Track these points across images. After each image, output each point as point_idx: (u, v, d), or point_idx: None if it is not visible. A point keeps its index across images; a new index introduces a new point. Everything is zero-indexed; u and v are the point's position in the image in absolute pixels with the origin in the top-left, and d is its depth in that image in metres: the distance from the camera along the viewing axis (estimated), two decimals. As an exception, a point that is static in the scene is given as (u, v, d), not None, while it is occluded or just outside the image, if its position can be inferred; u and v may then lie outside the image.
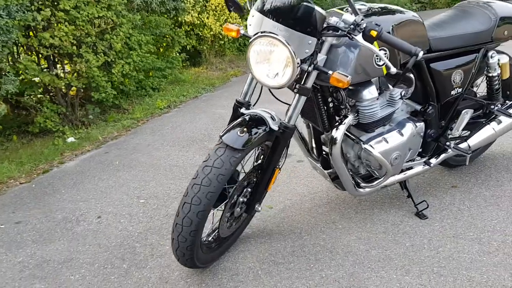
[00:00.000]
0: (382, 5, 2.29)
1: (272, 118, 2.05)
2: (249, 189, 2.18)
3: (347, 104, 2.20)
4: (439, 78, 2.39)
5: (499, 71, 2.60)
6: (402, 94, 2.25)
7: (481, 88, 2.88)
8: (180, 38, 6.45)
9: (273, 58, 1.86)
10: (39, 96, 4.80)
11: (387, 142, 2.28)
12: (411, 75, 2.31)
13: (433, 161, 2.58)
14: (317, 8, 1.78)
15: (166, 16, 6.25)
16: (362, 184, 2.39)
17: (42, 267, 2.36)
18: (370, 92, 2.14)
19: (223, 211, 2.09)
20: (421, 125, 2.42)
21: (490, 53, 2.55)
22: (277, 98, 2.19)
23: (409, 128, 2.34)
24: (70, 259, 2.42)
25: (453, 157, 2.90)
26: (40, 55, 4.44)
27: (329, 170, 2.42)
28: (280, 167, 2.22)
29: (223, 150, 1.92)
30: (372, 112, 2.17)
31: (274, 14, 1.81)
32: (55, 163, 3.83)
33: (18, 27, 3.89)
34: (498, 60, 2.58)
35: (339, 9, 2.13)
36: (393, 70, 1.87)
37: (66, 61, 4.70)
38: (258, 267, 2.22)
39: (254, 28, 1.90)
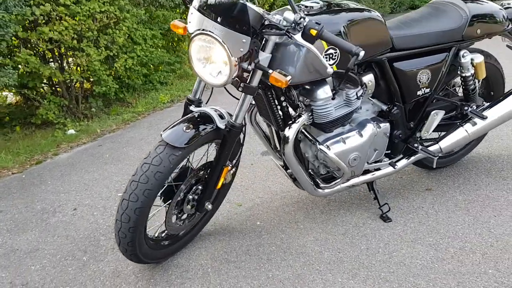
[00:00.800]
0: (342, 2, 2.24)
1: (221, 116, 2.05)
2: (200, 187, 2.18)
3: (302, 103, 2.17)
4: (403, 78, 2.32)
5: (472, 71, 2.50)
6: (359, 94, 2.19)
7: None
8: (191, 32, 6.48)
9: (213, 57, 1.85)
10: (45, 88, 4.95)
11: (345, 143, 2.24)
12: (369, 76, 2.26)
13: (400, 163, 2.52)
14: (251, 6, 1.75)
15: (177, 10, 6.31)
16: (322, 185, 2.36)
17: (9, 256, 2.45)
18: (324, 92, 2.10)
19: (168, 208, 2.10)
20: (386, 125, 2.36)
21: (462, 52, 2.44)
22: (230, 93, 2.17)
23: (369, 128, 2.28)
24: (37, 249, 2.49)
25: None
26: (42, 49, 4.54)
27: (290, 170, 2.39)
28: (232, 165, 2.21)
29: (162, 147, 1.93)
30: (326, 112, 2.13)
31: (210, 12, 1.79)
32: (49, 155, 3.95)
33: (18, 22, 4.01)
34: (472, 59, 2.47)
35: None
36: (329, 70, 1.83)
37: (70, 55, 4.82)
38: (210, 264, 2.23)
39: (194, 26, 1.88)
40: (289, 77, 1.83)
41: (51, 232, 2.65)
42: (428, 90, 2.40)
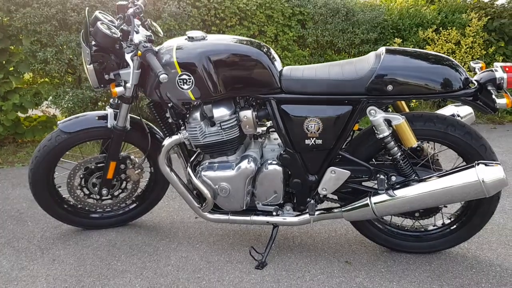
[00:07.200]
0: (231, 37, 2.34)
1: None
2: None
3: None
4: (288, 122, 2.19)
5: (387, 133, 2.09)
6: (223, 126, 2.20)
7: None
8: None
9: None
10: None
11: (214, 170, 2.29)
12: (246, 112, 2.22)
13: (290, 216, 2.37)
14: (102, 28, 2.13)
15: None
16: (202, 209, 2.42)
17: None
18: (193, 115, 2.25)
19: (67, 180, 2.57)
20: (275, 169, 2.27)
21: (368, 109, 2.09)
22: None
23: (243, 164, 2.24)
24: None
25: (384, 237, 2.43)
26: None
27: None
28: (133, 166, 2.57)
29: (57, 129, 2.48)
30: (193, 135, 2.24)
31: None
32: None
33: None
34: (388, 120, 2.09)
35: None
36: (121, 90, 2.06)
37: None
38: (100, 242, 2.61)
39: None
40: (119, 89, 2.17)
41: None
42: (320, 142, 2.17)
